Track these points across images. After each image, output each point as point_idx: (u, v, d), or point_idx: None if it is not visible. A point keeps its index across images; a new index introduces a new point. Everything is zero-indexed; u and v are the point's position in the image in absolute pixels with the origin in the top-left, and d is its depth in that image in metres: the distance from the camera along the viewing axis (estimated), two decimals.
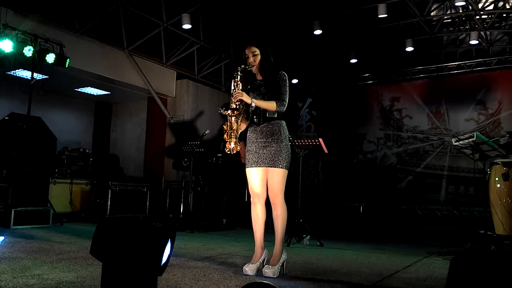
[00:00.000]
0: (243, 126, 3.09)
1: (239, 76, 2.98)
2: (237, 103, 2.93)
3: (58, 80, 7.02)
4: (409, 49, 8.88)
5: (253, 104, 2.95)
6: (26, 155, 5.78)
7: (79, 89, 8.79)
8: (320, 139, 4.75)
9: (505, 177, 4.02)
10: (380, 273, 3.12)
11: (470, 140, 3.95)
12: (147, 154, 9.25)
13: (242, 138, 3.01)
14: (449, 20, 8.99)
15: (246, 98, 2.92)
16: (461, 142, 4.11)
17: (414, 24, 8.81)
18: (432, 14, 8.51)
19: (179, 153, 6.34)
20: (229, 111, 2.94)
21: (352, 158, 10.65)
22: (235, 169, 6.60)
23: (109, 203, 6.72)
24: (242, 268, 2.92)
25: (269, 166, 2.98)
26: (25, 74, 6.96)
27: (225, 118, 3.02)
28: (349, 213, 9.80)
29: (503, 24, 8.55)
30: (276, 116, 3.04)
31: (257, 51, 3.06)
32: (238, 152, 7.13)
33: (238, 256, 3.70)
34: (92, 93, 9.10)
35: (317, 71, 10.74)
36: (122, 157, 9.37)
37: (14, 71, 7.02)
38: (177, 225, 5.92)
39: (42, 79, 6.47)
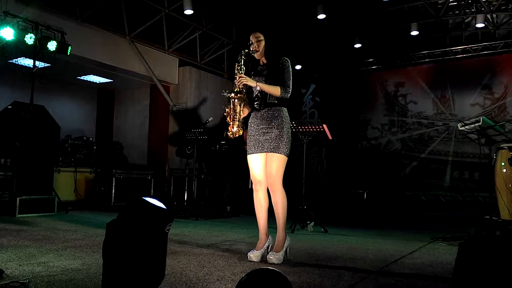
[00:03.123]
0: (246, 112, 3.10)
1: (242, 60, 2.99)
2: (240, 86, 2.95)
3: (60, 68, 6.99)
4: (414, 33, 8.74)
5: (258, 88, 2.95)
6: (30, 144, 5.78)
7: (82, 77, 8.76)
8: (324, 125, 4.71)
9: (511, 162, 3.98)
10: (385, 258, 3.11)
11: (476, 124, 3.90)
12: (151, 142, 9.25)
13: (245, 124, 2.99)
14: (454, 3, 8.83)
15: (251, 82, 2.94)
16: (467, 127, 4.06)
17: (419, 7, 8.67)
18: None
19: (183, 140, 6.33)
20: (233, 94, 2.96)
21: (356, 144, 10.60)
22: (239, 156, 6.58)
23: (113, 191, 6.74)
24: (247, 254, 2.92)
25: (269, 152, 2.97)
26: (27, 62, 6.93)
27: (228, 101, 3.02)
28: (353, 199, 9.81)
29: (510, 7, 8.39)
30: (277, 102, 3.02)
31: (261, 37, 3.07)
32: (242, 139, 7.11)
33: (243, 243, 3.70)
34: (94, 81, 9.07)
35: (321, 57, 10.63)
36: (125, 145, 9.37)
37: (16, 60, 6.99)
38: (182, 213, 5.94)
39: (44, 67, 6.44)
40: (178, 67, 9.20)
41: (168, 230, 1.63)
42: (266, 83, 2.99)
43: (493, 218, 3.99)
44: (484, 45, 9.21)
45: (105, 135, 9.77)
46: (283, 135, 2.98)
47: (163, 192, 8.41)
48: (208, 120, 6.18)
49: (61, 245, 3.28)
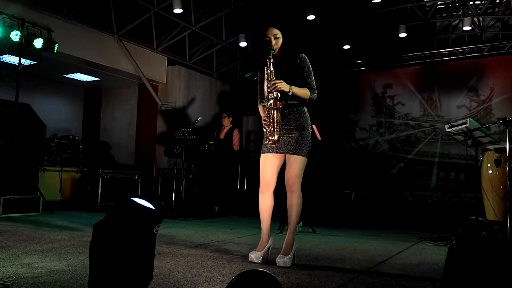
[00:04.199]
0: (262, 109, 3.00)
1: (272, 64, 2.83)
2: (275, 92, 2.78)
3: (46, 66, 6.88)
4: (402, 35, 8.83)
5: (291, 92, 2.82)
6: (15, 143, 5.68)
7: (68, 75, 8.64)
8: (314, 126, 4.71)
9: (497, 163, 4.02)
10: (373, 259, 3.13)
11: (463, 126, 3.94)
12: (138, 141, 9.16)
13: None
14: (442, 6, 8.95)
15: (285, 87, 2.79)
16: (454, 128, 4.10)
17: (408, 9, 8.75)
18: None
19: (171, 140, 6.28)
20: (272, 101, 2.78)
21: (344, 145, 10.67)
22: (228, 157, 6.56)
23: (100, 191, 6.66)
24: (248, 255, 2.87)
25: (290, 153, 2.90)
26: (13, 59, 6.80)
27: (263, 109, 2.91)
28: (341, 200, 9.86)
29: (496, 10, 8.53)
30: (298, 102, 2.94)
31: (279, 34, 2.91)
32: (230, 139, 7.05)
33: (231, 244, 3.68)
34: (81, 79, 8.95)
35: (310, 57, 10.62)
36: (112, 144, 9.27)
37: (1, 57, 6.86)
38: (169, 213, 5.89)
39: (30, 64, 6.33)
40: (167, 66, 9.13)
41: (157, 231, 1.61)
42: (288, 80, 2.85)
43: (479, 218, 4.04)
44: (470, 47, 9.35)
45: (92, 134, 9.66)
46: (305, 137, 2.92)
47: (151, 192, 8.34)
48: (197, 119, 6.15)
49: (46, 245, 3.22)
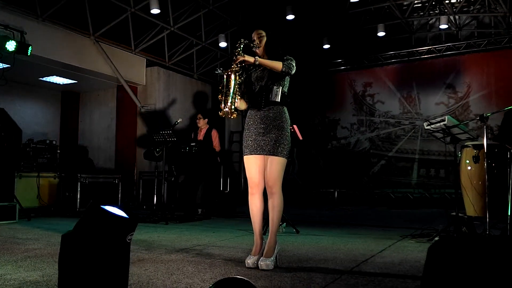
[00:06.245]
0: (242, 106, 2.99)
1: (241, 47, 2.90)
2: (237, 66, 2.85)
3: (20, 69, 6.70)
4: (381, 34, 8.91)
5: (257, 62, 2.85)
6: None
7: (44, 78, 8.43)
8: (295, 126, 4.71)
9: (475, 159, 4.07)
10: (356, 258, 3.12)
11: (442, 123, 3.98)
12: (118, 144, 9.00)
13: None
14: (419, 5, 9.07)
15: (248, 58, 2.83)
16: (432, 126, 4.14)
17: (385, 8, 8.84)
18: None
19: (151, 143, 6.18)
20: (230, 69, 2.85)
21: (326, 144, 10.71)
22: (210, 158, 6.49)
23: (78, 196, 6.51)
24: (245, 261, 2.80)
25: (269, 154, 2.87)
26: None
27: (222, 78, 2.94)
28: (324, 198, 9.89)
29: (471, 9, 8.69)
30: (279, 101, 2.96)
31: (263, 33, 3.01)
32: (210, 140, 6.94)
33: (214, 247, 3.63)
34: (57, 82, 8.75)
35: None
36: (91, 148, 9.09)
37: None
38: (151, 217, 5.79)
39: (3, 68, 6.15)
40: (146, 67, 9.00)
41: (130, 239, 1.55)
42: (268, 78, 2.91)
43: (459, 214, 4.08)
44: (447, 45, 9.50)
45: (69, 138, 9.45)
46: (284, 137, 2.91)
47: (132, 196, 8.20)
48: (177, 121, 6.06)
49: (20, 255, 3.11)
